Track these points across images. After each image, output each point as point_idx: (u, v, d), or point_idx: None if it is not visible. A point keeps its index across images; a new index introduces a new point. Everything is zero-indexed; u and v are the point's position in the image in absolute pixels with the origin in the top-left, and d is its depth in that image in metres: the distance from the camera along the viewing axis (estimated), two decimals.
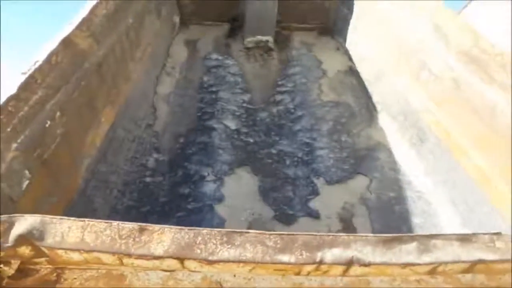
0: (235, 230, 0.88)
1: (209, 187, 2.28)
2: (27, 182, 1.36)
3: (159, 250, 0.84)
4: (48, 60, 1.48)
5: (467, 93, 2.03)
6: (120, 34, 2.24)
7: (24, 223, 0.89)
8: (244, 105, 3.20)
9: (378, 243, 0.89)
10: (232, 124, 2.93)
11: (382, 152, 2.67)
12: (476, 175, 1.90)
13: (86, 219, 0.91)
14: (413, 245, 0.90)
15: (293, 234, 0.89)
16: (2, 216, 0.91)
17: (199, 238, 0.86)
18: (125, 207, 2.05)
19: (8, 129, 1.27)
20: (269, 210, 2.21)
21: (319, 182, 2.41)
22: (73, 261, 0.90)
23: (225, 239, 0.86)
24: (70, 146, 1.69)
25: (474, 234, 0.93)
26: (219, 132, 2.77)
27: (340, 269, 0.88)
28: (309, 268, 0.88)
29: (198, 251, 0.85)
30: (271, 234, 0.88)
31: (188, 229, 0.87)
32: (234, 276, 1.09)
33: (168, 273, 1.07)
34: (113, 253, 0.85)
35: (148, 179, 2.30)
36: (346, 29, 3.82)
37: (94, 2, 1.91)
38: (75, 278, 1.05)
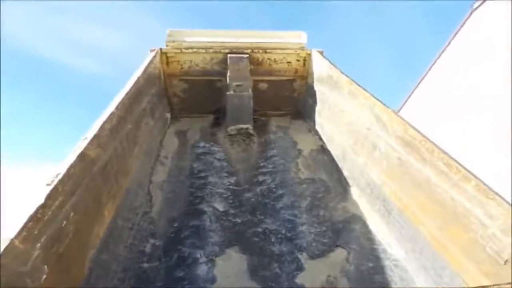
0: None
1: (202, 269, 2.46)
2: (44, 276, 1.57)
3: None
4: (67, 172, 1.80)
5: (409, 170, 2.47)
6: (121, 138, 2.65)
7: None
8: (231, 187, 3.53)
9: None
10: (220, 206, 3.21)
11: (357, 224, 2.97)
12: (432, 241, 2.21)
13: None
14: None
15: None
16: None
17: None
18: None
19: (36, 232, 1.53)
20: None
21: (303, 258, 2.64)
22: None
23: None
24: (79, 240, 1.92)
25: None
26: (209, 214, 3.04)
27: None
28: None
29: None
30: None
31: None
32: None
33: None
34: None
35: (145, 265, 2.48)
36: (313, 114, 4.43)
37: (103, 119, 2.35)
38: None
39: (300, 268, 2.55)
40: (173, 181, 3.46)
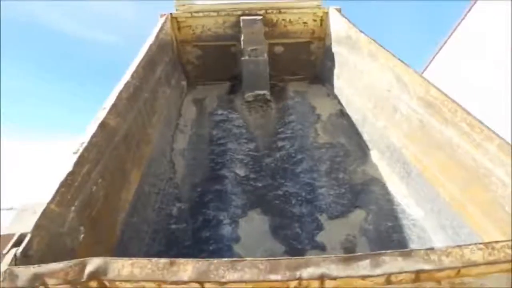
0: (237, 259, 1.23)
1: (226, 230, 2.60)
2: (82, 236, 1.71)
3: (185, 277, 1.18)
4: (90, 141, 1.90)
5: (431, 132, 2.43)
6: (139, 107, 2.72)
7: (93, 263, 1.23)
8: (250, 153, 3.60)
9: (340, 261, 1.22)
10: (241, 171, 3.30)
11: (376, 186, 3.01)
12: (452, 201, 2.23)
13: (133, 258, 1.25)
14: (367, 261, 1.22)
15: (278, 259, 1.23)
16: (74, 260, 1.25)
17: (212, 267, 1.20)
18: (156, 252, 2.37)
19: (69, 197, 1.65)
20: (280, 246, 2.51)
21: (322, 218, 2.73)
22: None
23: (230, 266, 1.20)
24: (109, 205, 2.06)
25: (412, 250, 1.26)
26: (230, 179, 3.15)
27: (316, 283, 1.21)
28: (292, 284, 1.20)
29: (212, 276, 1.19)
30: (262, 260, 1.22)
31: (204, 260, 1.22)
32: None
33: None
34: (154, 281, 1.18)
35: (173, 227, 2.64)
36: (332, 78, 4.34)
37: (119, 89, 2.41)
38: None
39: (319, 227, 2.64)
40: (194, 148, 3.56)
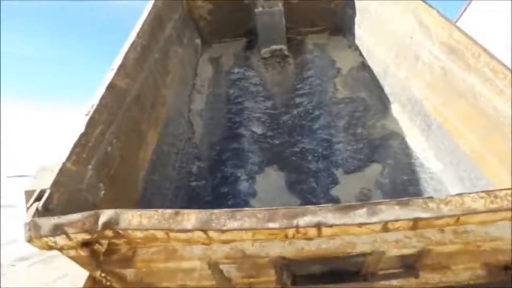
0: (237, 209, 1.29)
1: (243, 185, 2.70)
2: (102, 192, 1.84)
3: (189, 226, 1.27)
4: (100, 102, 1.96)
5: (453, 80, 2.30)
6: (150, 68, 2.72)
7: (106, 214, 1.34)
8: (268, 111, 3.59)
9: (336, 210, 1.25)
10: (258, 130, 3.33)
11: (395, 140, 2.94)
12: (471, 153, 2.16)
13: (141, 210, 1.34)
14: (363, 210, 1.24)
15: (276, 209, 1.28)
16: (90, 212, 1.36)
17: (213, 216, 1.28)
18: (179, 207, 2.52)
19: (84, 156, 1.76)
20: (296, 200, 2.58)
21: (338, 173, 2.75)
22: (139, 237, 1.35)
23: (230, 215, 1.27)
24: (127, 164, 2.16)
25: (410, 199, 1.26)
26: (247, 137, 3.19)
27: (314, 231, 1.25)
28: (290, 232, 1.26)
29: (214, 224, 1.27)
30: (260, 210, 1.27)
31: (206, 211, 1.30)
32: (252, 245, 1.50)
33: (206, 246, 1.50)
34: (161, 230, 1.28)
35: (193, 183, 2.77)
36: (353, 27, 4.09)
37: (126, 49, 2.40)
38: (144, 253, 1.52)
39: (335, 182, 2.67)
40: (211, 108, 3.59)
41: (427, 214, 1.24)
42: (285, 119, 3.46)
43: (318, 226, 1.25)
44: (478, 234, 1.49)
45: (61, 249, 1.41)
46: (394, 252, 1.53)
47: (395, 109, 3.23)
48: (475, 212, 1.23)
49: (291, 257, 1.52)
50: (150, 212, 1.32)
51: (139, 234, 1.35)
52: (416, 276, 1.69)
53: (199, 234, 1.32)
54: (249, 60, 4.30)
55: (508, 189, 1.25)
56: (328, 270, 1.55)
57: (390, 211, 1.25)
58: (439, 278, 1.90)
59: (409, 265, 1.65)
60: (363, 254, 1.50)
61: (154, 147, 2.57)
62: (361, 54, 3.99)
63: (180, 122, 3.26)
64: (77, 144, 1.69)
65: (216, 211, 1.31)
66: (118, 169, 2.03)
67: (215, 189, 2.71)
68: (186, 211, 1.32)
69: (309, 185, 2.66)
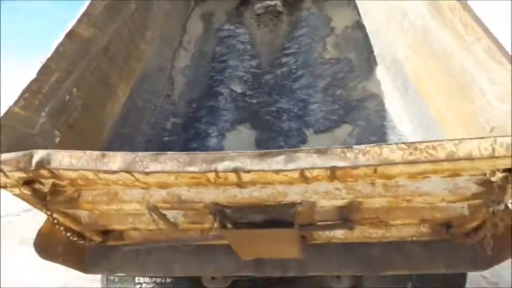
0: (160, 152, 1.32)
1: (212, 141, 2.75)
2: (58, 139, 1.90)
3: (114, 167, 1.32)
4: (57, 50, 1.96)
5: (430, 38, 2.18)
6: (124, 20, 2.67)
7: (39, 154, 1.39)
8: (252, 70, 3.53)
9: (255, 156, 1.25)
10: (238, 88, 3.30)
11: (372, 102, 2.87)
12: (438, 116, 2.09)
13: (73, 151, 1.39)
14: (281, 157, 1.24)
15: (196, 153, 1.30)
16: (24, 151, 1.40)
17: (137, 159, 1.31)
18: None
19: (36, 103, 1.80)
20: None
21: (308, 132, 2.73)
22: (72, 178, 1.42)
23: (153, 158, 1.31)
24: (91, 114, 2.21)
25: (329, 148, 1.25)
26: (225, 96, 3.18)
27: (233, 176, 1.28)
28: (210, 176, 1.29)
29: (137, 166, 1.31)
30: (182, 154, 1.30)
31: (131, 153, 1.34)
32: (188, 191, 1.56)
33: (144, 190, 1.57)
34: (90, 170, 1.34)
35: (166, 139, 2.83)
36: None
37: None
38: (88, 195, 1.61)
39: (303, 141, 2.67)
40: (195, 65, 3.56)
41: (344, 163, 1.23)
42: (267, 78, 3.40)
43: (236, 171, 1.27)
44: (408, 188, 1.49)
45: (4, 187, 1.52)
46: (324, 203, 1.56)
47: (380, 71, 3.11)
48: (392, 163, 1.22)
49: (224, 203, 1.57)
50: (79, 153, 1.38)
51: (71, 174, 1.42)
52: (351, 228, 1.73)
53: (125, 176, 1.37)
54: (241, 17, 4.15)
55: (429, 141, 1.23)
56: (262, 217, 1.61)
57: (308, 159, 1.25)
58: (383, 233, 1.95)
59: (345, 218, 1.69)
60: (294, 204, 1.53)
61: (125, 100, 2.60)
62: (358, 13, 3.79)
63: (160, 78, 3.27)
64: (27, 90, 1.74)
65: (140, 153, 1.36)
66: (79, 118, 2.09)
67: (185, 144, 2.76)
68: (112, 153, 1.37)
69: (277, 144, 2.67)
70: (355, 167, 1.24)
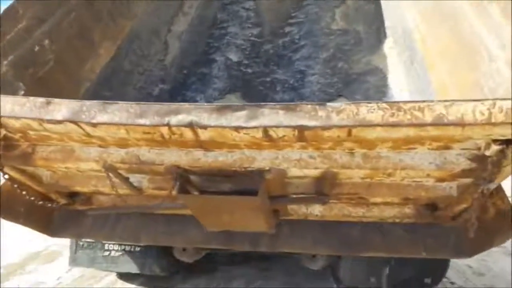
0: (110, 101, 1.16)
1: None
2: (22, 91, 1.77)
3: (59, 116, 1.18)
4: None
5: (443, 2, 1.93)
6: None
7: None
8: (252, 38, 3.31)
9: (213, 110, 1.08)
10: (234, 57, 3.10)
11: (374, 76, 2.64)
12: (439, 87, 1.88)
13: (16, 96, 1.26)
14: (243, 112, 1.06)
15: (150, 104, 1.14)
16: None
17: (84, 108, 1.16)
18: None
19: None
20: None
21: None
22: (16, 127, 1.29)
23: (101, 108, 1.15)
24: (66, 70, 2.07)
25: (298, 104, 1.06)
26: (219, 64, 3.00)
27: (189, 132, 1.12)
28: (164, 130, 1.13)
29: (84, 116, 1.16)
30: (133, 104, 1.14)
31: (78, 101, 1.19)
32: (149, 151, 1.41)
33: (102, 149, 1.44)
34: (33, 119, 1.20)
35: None
36: None
37: None
38: (43, 151, 1.49)
39: None
40: (193, 31, 3.37)
41: (314, 122, 1.04)
42: (267, 48, 3.19)
43: (191, 126, 1.11)
44: (390, 161, 1.31)
45: None
46: (296, 172, 1.39)
47: (388, 43, 2.86)
48: (370, 125, 1.03)
49: (187, 167, 1.43)
50: (23, 99, 1.25)
51: (15, 123, 1.29)
52: (325, 203, 1.57)
53: (72, 127, 1.24)
54: None
55: (416, 101, 1.03)
56: (227, 184, 1.46)
57: (273, 116, 1.06)
58: (363, 213, 1.80)
59: (320, 191, 1.53)
60: (262, 171, 1.37)
61: (109, 61, 2.46)
62: None
63: (154, 42, 3.10)
64: None
65: (87, 102, 1.21)
66: (51, 73, 1.96)
67: None
68: (57, 100, 1.23)
69: None
70: (326, 127, 1.05)
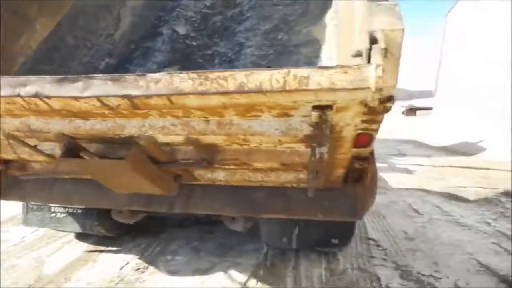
0: None
1: None
2: None
3: None
4: None
5: None
6: None
7: None
8: (203, 10, 3.33)
9: (54, 81, 1.20)
10: (182, 30, 3.15)
11: (309, 48, 2.65)
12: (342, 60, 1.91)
13: None
14: (79, 84, 1.19)
15: (3, 77, 1.25)
16: None
17: None
18: None
19: None
20: None
21: None
22: None
23: None
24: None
25: (123, 75, 1.16)
26: (164, 37, 3.06)
27: (39, 101, 1.25)
28: (17, 100, 1.27)
29: None
30: None
31: None
32: (37, 120, 1.56)
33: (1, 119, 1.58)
34: None
35: None
36: None
37: None
38: None
39: None
40: (147, 5, 3.41)
41: (138, 91, 1.16)
42: (216, 20, 3.21)
43: (37, 96, 1.24)
44: (241, 127, 1.41)
45: None
46: (164, 139, 1.52)
47: (330, 14, 2.83)
48: (183, 93, 1.13)
49: (70, 134, 1.57)
50: None
51: None
52: (206, 167, 1.70)
53: None
54: None
55: (221, 71, 1.12)
56: (106, 149, 1.60)
57: (102, 87, 1.18)
58: (262, 177, 1.92)
59: (203, 157, 1.66)
60: (132, 137, 1.50)
61: (47, 36, 2.57)
62: None
63: (104, 17, 3.17)
64: None
65: None
66: None
67: None
68: None
69: None
70: (149, 96, 1.16)
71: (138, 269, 2.46)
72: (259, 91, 1.10)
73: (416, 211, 3.89)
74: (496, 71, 9.66)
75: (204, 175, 1.98)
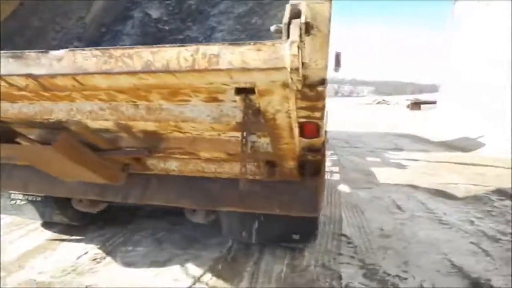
0: None
1: None
2: None
3: None
4: None
5: None
6: None
7: None
8: None
9: None
10: (155, 13, 3.02)
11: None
12: None
13: None
14: None
15: None
16: None
17: None
18: None
19: None
20: None
21: None
22: None
23: None
24: None
25: (24, 52, 1.06)
26: (135, 20, 2.94)
27: None
28: None
29: None
30: None
31: None
32: None
33: None
34: None
35: None
36: None
37: None
38: None
39: None
40: None
41: (41, 70, 1.06)
42: (191, 3, 3.07)
43: None
44: (172, 113, 1.31)
45: None
46: (93, 124, 1.43)
47: None
48: (87, 73, 1.03)
49: (1, 118, 1.48)
50: None
51: None
52: (147, 154, 1.63)
53: None
54: None
55: (128, 48, 1.01)
56: (36, 134, 1.51)
57: (7, 66, 1.09)
58: (215, 168, 1.85)
59: (145, 145, 1.57)
60: (60, 122, 1.41)
61: (8, 18, 2.47)
62: None
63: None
64: None
65: None
66: None
67: None
68: None
69: None
70: (53, 75, 1.06)
71: (95, 259, 2.39)
72: (167, 71, 0.99)
73: (399, 207, 3.78)
74: (496, 71, 9.45)
75: (157, 165, 1.90)
